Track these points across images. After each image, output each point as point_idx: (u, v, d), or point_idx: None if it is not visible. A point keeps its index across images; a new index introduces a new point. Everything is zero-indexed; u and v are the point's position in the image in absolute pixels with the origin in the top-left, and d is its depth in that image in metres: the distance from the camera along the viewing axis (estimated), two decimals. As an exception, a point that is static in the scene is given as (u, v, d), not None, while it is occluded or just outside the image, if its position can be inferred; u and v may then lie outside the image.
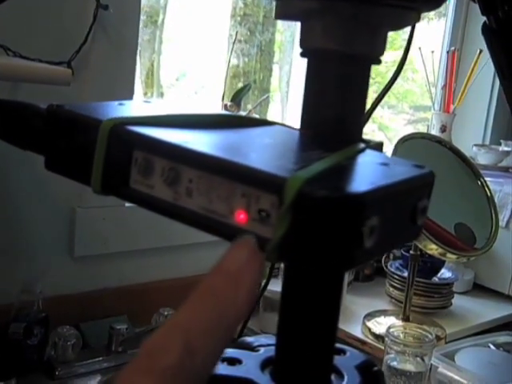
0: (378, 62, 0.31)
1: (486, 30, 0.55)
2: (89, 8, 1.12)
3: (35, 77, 0.93)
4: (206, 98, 1.68)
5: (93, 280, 1.25)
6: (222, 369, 0.33)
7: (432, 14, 2.16)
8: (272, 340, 0.36)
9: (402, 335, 1.19)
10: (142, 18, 1.49)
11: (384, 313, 1.45)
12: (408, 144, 1.33)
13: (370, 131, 2.22)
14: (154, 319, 1.26)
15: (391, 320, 1.39)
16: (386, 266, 1.57)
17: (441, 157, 1.39)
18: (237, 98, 1.47)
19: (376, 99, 0.45)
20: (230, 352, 0.35)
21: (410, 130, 2.23)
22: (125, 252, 1.29)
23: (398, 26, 0.31)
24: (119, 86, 1.21)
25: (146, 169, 0.28)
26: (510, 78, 0.55)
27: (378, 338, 1.34)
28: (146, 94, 1.59)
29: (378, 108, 1.86)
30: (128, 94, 1.24)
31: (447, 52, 1.98)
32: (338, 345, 0.37)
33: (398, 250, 1.59)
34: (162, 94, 1.63)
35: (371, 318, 1.42)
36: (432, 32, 2.16)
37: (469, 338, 1.39)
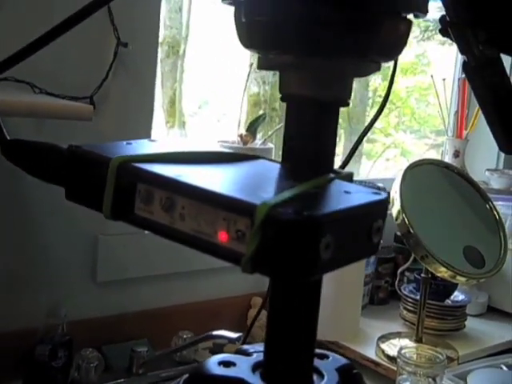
0: (346, 104, 0.37)
1: (467, 68, 0.60)
2: (110, 46, 1.19)
3: (59, 114, 0.99)
4: (227, 126, 1.70)
5: (115, 304, 1.30)
6: (218, 370, 0.38)
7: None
8: (265, 347, 0.41)
9: (414, 356, 1.22)
10: (165, 48, 1.55)
11: (398, 335, 1.48)
12: (417, 170, 1.37)
13: (392, 156, 2.24)
14: (173, 342, 1.30)
15: (405, 342, 1.41)
16: (400, 290, 1.60)
17: (450, 182, 1.43)
18: (252, 127, 1.51)
19: (362, 133, 0.50)
20: (225, 356, 0.40)
21: (432, 154, 2.24)
22: (145, 277, 1.34)
23: (361, 75, 0.36)
24: (138, 119, 1.27)
25: (147, 198, 0.34)
26: (493, 114, 0.59)
27: (392, 359, 1.36)
28: (168, 122, 1.61)
29: (401, 133, 1.87)
30: (146, 126, 1.29)
31: (458, 79, 2.02)
32: (322, 351, 0.42)
33: (411, 274, 1.62)
34: (183, 123, 1.66)
35: (385, 340, 1.45)
36: (446, 58, 2.20)
37: (481, 359, 1.40)
